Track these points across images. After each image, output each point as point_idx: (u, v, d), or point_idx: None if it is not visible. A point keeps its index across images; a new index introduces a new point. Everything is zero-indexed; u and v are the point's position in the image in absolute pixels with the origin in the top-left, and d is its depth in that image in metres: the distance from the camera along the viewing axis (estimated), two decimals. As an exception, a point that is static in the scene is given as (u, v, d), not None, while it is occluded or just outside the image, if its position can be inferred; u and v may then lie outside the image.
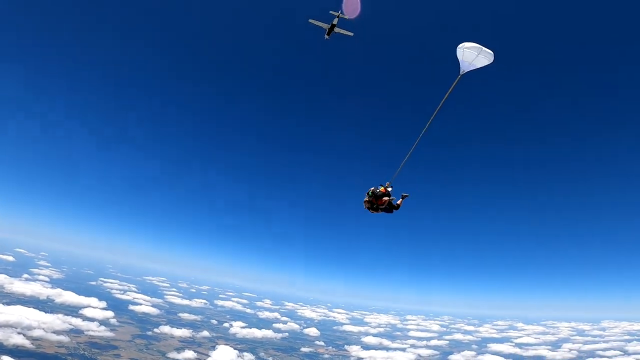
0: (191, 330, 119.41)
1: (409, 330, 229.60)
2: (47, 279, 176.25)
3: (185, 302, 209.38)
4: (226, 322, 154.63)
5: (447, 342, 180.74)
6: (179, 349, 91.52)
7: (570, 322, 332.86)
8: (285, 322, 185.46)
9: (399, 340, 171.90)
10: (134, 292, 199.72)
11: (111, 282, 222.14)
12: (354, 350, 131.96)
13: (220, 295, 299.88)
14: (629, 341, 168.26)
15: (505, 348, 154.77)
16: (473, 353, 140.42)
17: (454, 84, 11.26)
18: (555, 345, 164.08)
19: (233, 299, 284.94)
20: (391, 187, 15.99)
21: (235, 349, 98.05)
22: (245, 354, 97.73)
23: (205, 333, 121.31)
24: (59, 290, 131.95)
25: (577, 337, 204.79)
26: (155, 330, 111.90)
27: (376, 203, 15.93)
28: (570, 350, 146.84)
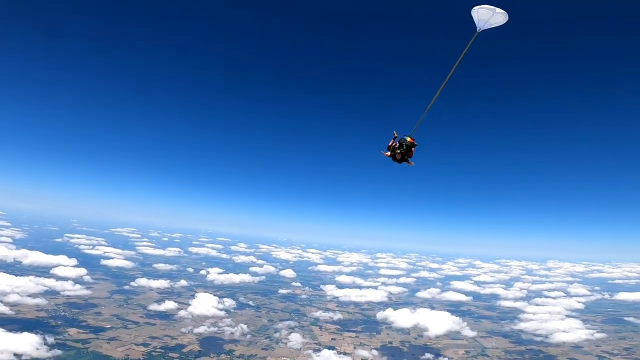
0: (168, 281, 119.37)
1: (379, 268, 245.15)
2: (9, 239, 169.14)
3: (159, 251, 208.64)
4: (202, 269, 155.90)
5: (415, 279, 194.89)
6: (159, 301, 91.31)
7: (521, 261, 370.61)
8: (261, 265, 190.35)
9: (370, 279, 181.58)
10: (104, 245, 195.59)
11: (78, 238, 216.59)
12: (330, 289, 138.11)
13: (193, 242, 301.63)
14: (571, 283, 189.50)
15: (466, 286, 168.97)
16: (438, 290, 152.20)
17: (472, 41, 12.03)
18: (508, 284, 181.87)
19: (207, 245, 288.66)
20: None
21: (214, 295, 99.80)
22: (225, 299, 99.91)
23: (183, 282, 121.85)
24: (24, 251, 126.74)
25: (527, 277, 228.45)
26: (132, 283, 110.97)
27: (407, 154, 15.22)
28: (521, 289, 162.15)
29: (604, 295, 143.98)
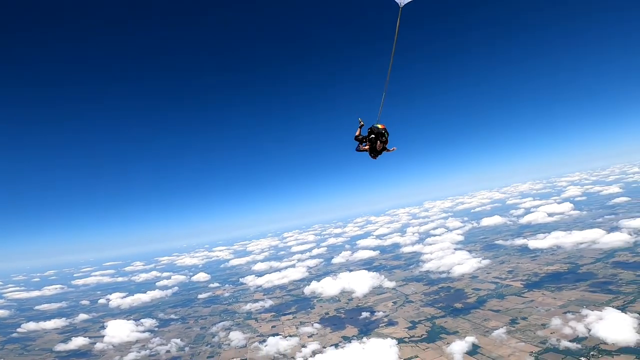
0: (64, 319, 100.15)
1: (290, 247, 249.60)
2: None
3: (35, 293, 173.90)
4: (100, 298, 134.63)
5: (325, 248, 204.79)
6: (65, 341, 77.56)
7: (405, 208, 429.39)
8: (169, 277, 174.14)
9: (286, 259, 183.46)
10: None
11: None
12: (250, 280, 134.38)
13: (75, 275, 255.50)
14: (446, 218, 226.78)
15: (371, 242, 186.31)
16: (349, 252, 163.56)
17: (399, 15, 11.37)
18: (402, 231, 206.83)
19: (94, 273, 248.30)
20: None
21: (128, 320, 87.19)
22: (142, 321, 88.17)
23: (83, 316, 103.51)
24: None
25: (414, 221, 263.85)
26: (19, 330, 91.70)
27: (383, 145, 13.66)
28: (414, 233, 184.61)
29: (472, 224, 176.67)
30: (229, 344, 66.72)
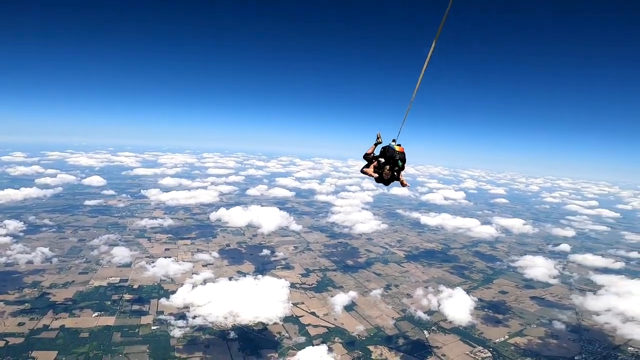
0: None
1: (207, 168, 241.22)
2: None
3: None
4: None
5: (244, 177, 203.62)
6: None
7: (330, 159, 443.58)
8: (54, 176, 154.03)
9: (199, 179, 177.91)
10: None
11: None
12: (153, 194, 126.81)
13: None
14: (363, 179, 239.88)
15: (289, 182, 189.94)
16: (265, 187, 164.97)
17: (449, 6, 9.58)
18: (321, 180, 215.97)
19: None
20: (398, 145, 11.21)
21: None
22: (6, 222, 76.33)
23: None
24: None
25: (334, 173, 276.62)
26: None
27: (398, 171, 10.96)
28: (330, 184, 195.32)
29: (384, 190, 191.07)
30: (109, 261, 62.23)
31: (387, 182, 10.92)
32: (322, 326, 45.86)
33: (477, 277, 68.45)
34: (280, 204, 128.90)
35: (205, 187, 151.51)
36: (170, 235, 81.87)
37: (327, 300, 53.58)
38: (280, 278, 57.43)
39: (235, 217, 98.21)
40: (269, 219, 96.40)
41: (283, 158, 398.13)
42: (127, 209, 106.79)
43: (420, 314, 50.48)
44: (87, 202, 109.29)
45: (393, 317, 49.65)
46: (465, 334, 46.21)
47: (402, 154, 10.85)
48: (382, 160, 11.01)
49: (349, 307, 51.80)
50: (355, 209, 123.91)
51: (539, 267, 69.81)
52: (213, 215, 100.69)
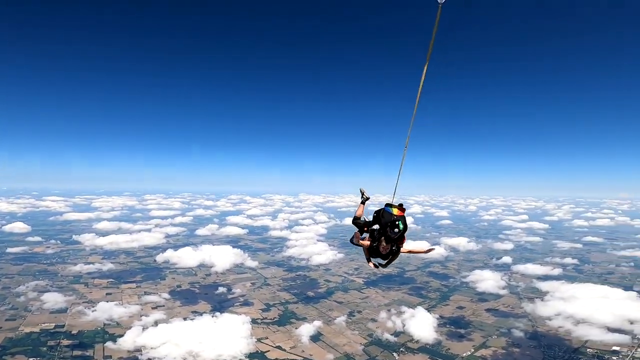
0: None
1: (150, 210, 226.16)
2: None
3: None
4: None
5: (191, 218, 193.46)
6: None
7: (281, 195, 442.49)
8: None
9: (141, 222, 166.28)
10: None
11: None
12: (88, 239, 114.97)
13: None
14: (316, 212, 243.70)
15: (241, 220, 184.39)
16: (216, 226, 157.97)
17: (438, 14, 9.81)
18: (274, 215, 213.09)
19: None
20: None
21: None
22: None
23: None
24: None
25: (287, 208, 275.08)
26: None
27: (397, 244, 8.50)
28: (284, 219, 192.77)
29: (336, 221, 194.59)
30: (40, 307, 54.72)
31: (385, 258, 8.56)
32: (290, 359, 43.34)
33: (435, 295, 70.43)
34: (233, 242, 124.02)
35: (149, 230, 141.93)
36: (111, 279, 73.73)
37: (292, 332, 51.11)
38: (240, 314, 53.91)
39: (185, 257, 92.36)
40: (223, 258, 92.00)
41: (233, 196, 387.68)
42: (58, 255, 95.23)
43: (387, 336, 50.15)
44: (9, 250, 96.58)
45: (361, 343, 48.62)
46: (433, 352, 46.53)
47: (403, 218, 8.38)
48: (376, 227, 8.66)
49: (315, 337, 49.82)
50: (311, 241, 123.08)
51: (488, 280, 73.89)
52: (160, 257, 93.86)
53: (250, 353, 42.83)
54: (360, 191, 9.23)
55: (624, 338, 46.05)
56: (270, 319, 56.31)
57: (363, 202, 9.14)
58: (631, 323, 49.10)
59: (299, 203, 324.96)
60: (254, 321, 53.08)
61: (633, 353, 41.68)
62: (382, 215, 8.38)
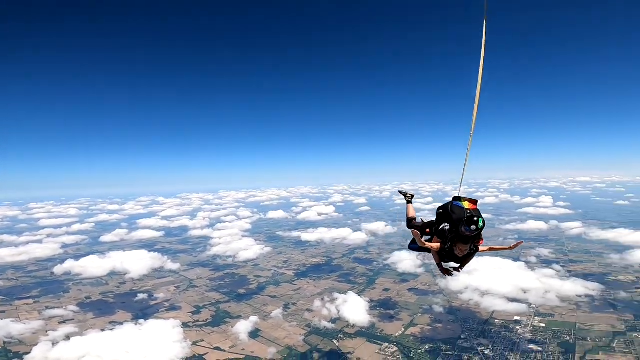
0: None
1: (38, 219, 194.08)
2: None
3: None
4: None
5: (93, 224, 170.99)
6: None
7: (199, 193, 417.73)
8: None
9: (28, 233, 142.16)
10: None
11: None
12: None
13: None
14: (238, 208, 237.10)
15: (154, 222, 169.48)
16: (125, 231, 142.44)
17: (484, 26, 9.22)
18: (193, 215, 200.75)
19: None
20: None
21: None
22: None
23: None
24: None
25: (206, 206, 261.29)
26: None
27: (475, 244, 7.45)
28: (204, 218, 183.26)
29: (260, 215, 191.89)
30: None
31: (460, 261, 7.39)
32: (232, 359, 41.91)
33: (362, 280, 74.86)
34: (148, 246, 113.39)
35: (39, 241, 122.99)
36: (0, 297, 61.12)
37: (229, 332, 49.36)
38: (168, 319, 50.01)
39: (91, 267, 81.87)
40: (138, 263, 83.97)
41: (143, 198, 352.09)
42: None
43: (324, 323, 51.77)
44: None
45: (300, 334, 49.34)
46: (369, 334, 49.31)
47: (478, 212, 7.43)
48: (447, 226, 7.66)
49: (254, 334, 48.98)
50: (235, 237, 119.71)
51: (406, 261, 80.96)
52: (58, 269, 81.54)
53: (187, 357, 40.15)
54: (401, 192, 8.59)
55: (522, 307, 53.10)
56: (203, 321, 53.42)
57: (409, 202, 8.42)
58: (524, 292, 57.41)
59: (219, 200, 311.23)
60: (185, 325, 49.74)
61: (532, 322, 48.55)
62: (451, 210, 7.52)
